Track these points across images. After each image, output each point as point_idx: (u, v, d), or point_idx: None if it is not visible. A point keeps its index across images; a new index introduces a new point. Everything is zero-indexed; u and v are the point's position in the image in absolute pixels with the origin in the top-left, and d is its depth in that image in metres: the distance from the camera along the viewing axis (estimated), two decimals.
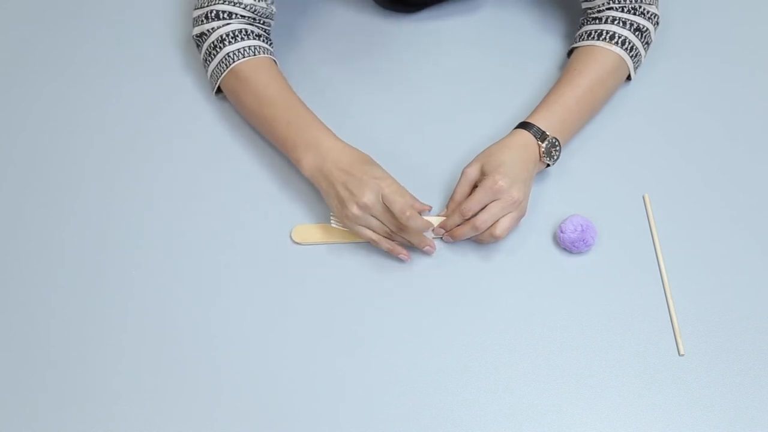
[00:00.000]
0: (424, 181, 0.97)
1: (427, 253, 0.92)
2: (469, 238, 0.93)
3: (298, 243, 0.94)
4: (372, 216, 0.89)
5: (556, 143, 0.94)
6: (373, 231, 0.90)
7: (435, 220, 0.94)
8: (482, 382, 0.86)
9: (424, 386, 0.86)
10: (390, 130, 1.03)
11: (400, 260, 0.93)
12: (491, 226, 0.89)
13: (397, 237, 0.91)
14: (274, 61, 1.01)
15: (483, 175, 0.91)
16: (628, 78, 1.03)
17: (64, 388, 0.86)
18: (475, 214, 0.89)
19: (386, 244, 0.91)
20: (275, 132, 0.96)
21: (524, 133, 0.93)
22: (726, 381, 0.86)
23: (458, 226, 0.91)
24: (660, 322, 0.89)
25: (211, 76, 1.01)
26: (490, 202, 0.88)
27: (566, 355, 0.88)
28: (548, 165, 0.96)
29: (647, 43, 1.01)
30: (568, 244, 0.92)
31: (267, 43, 1.01)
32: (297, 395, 0.86)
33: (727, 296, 0.91)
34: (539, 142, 0.93)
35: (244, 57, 0.97)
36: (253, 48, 0.98)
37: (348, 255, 0.94)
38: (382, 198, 0.88)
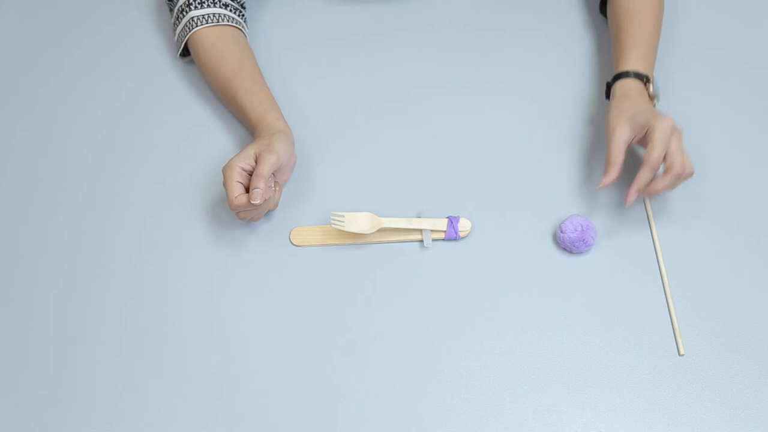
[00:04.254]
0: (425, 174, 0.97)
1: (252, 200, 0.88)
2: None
3: (296, 245, 0.94)
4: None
5: (654, 82, 0.96)
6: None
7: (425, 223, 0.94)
8: (482, 382, 0.86)
9: (423, 386, 0.86)
10: (380, 120, 1.03)
11: (398, 258, 0.93)
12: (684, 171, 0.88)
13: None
14: (241, 31, 1.03)
15: (644, 126, 0.89)
16: None
17: (64, 387, 0.86)
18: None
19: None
20: (229, 108, 1.01)
21: (632, 81, 0.95)
22: (726, 381, 0.86)
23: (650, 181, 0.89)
24: (660, 322, 0.89)
25: (177, 39, 1.04)
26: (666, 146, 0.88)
27: (566, 355, 0.88)
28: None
29: None
30: (568, 244, 0.92)
31: (236, 13, 1.03)
32: (296, 396, 0.86)
33: (727, 296, 0.91)
34: (646, 84, 0.95)
35: (206, 23, 1.00)
36: (217, 15, 1.00)
37: (347, 256, 0.94)
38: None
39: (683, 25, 1.11)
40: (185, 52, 1.06)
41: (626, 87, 0.95)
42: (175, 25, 1.04)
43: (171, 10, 1.05)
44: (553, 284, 0.92)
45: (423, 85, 1.07)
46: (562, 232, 0.92)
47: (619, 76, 0.96)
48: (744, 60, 1.09)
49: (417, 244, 0.95)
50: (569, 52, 1.09)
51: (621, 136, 0.91)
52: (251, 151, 0.89)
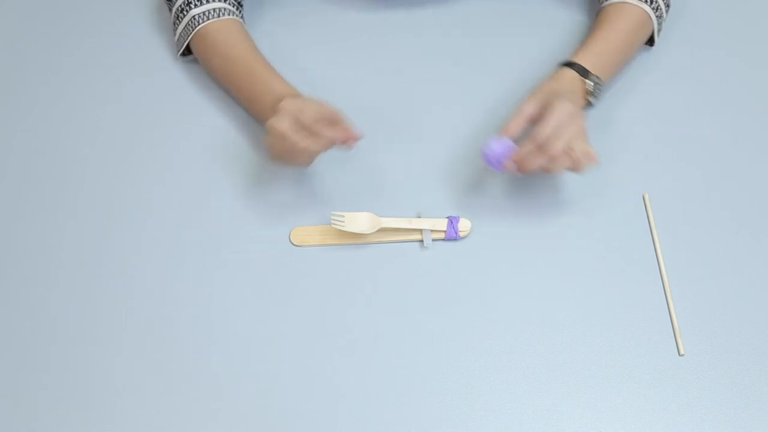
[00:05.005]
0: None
1: (349, 146, 0.89)
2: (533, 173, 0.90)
3: (296, 245, 0.94)
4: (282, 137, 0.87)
5: (599, 82, 0.96)
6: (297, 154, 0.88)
7: (430, 223, 0.94)
8: (482, 382, 0.86)
9: (423, 386, 0.86)
10: (380, 120, 1.03)
11: (398, 258, 0.93)
12: (569, 152, 0.87)
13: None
14: (241, 22, 1.03)
15: (547, 104, 0.89)
16: (652, 43, 1.07)
17: (64, 387, 0.86)
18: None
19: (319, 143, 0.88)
20: (242, 91, 0.99)
21: (570, 71, 0.96)
22: (726, 381, 0.86)
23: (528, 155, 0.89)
24: (660, 322, 0.89)
25: (178, 39, 1.04)
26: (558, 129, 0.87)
27: (566, 355, 0.88)
28: (590, 104, 0.98)
29: (668, 5, 1.04)
30: (494, 162, 0.91)
31: (234, 6, 1.03)
32: (296, 396, 0.86)
33: (727, 296, 0.91)
34: (583, 78, 0.95)
35: (209, 19, 1.00)
36: (218, 10, 1.00)
37: (347, 256, 0.94)
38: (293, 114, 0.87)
39: (683, 25, 1.11)
40: (185, 52, 1.05)
41: (563, 74, 0.96)
42: (175, 24, 1.04)
43: (170, 10, 1.05)
44: (553, 284, 0.92)
45: (424, 86, 1.06)
46: (489, 149, 0.90)
47: (562, 64, 0.97)
48: (744, 60, 1.09)
49: (417, 244, 0.95)
50: None
51: (525, 109, 0.90)
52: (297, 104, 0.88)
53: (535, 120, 0.90)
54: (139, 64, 1.09)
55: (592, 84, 0.96)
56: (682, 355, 0.87)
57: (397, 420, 0.84)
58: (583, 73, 0.96)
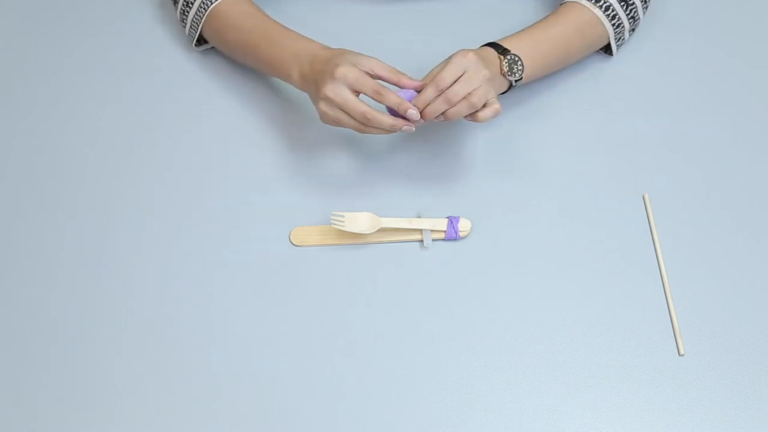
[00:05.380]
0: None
1: (407, 131, 0.88)
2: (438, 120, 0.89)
3: (296, 245, 0.94)
4: (340, 110, 0.87)
5: (518, 60, 0.94)
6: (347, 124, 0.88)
7: None
8: (482, 382, 0.86)
9: (423, 386, 0.86)
10: None
11: (398, 258, 0.93)
12: (468, 97, 0.86)
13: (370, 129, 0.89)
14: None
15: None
16: (610, 53, 1.05)
17: (64, 387, 0.86)
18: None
19: (375, 125, 0.87)
20: (261, 56, 0.97)
21: (487, 48, 0.94)
22: (726, 381, 0.86)
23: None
24: (660, 322, 0.89)
25: (191, 26, 1.03)
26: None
27: (566, 355, 0.88)
28: (511, 85, 0.95)
29: (633, 17, 1.02)
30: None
31: None
32: (296, 396, 0.86)
33: (727, 296, 0.91)
34: (500, 56, 0.93)
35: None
36: None
37: (347, 256, 0.94)
38: (351, 86, 0.86)
39: (683, 24, 1.11)
40: (198, 42, 1.05)
41: (483, 50, 0.94)
42: (184, 14, 1.03)
43: (175, 3, 1.04)
44: (553, 284, 0.92)
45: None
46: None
47: (487, 44, 0.96)
48: (744, 60, 1.09)
49: (417, 244, 0.95)
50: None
51: (435, 69, 0.90)
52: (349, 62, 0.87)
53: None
54: (139, 64, 1.09)
55: (507, 62, 0.93)
56: (682, 355, 0.87)
57: (397, 420, 0.84)
58: (502, 50, 0.94)
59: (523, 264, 0.93)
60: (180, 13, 1.04)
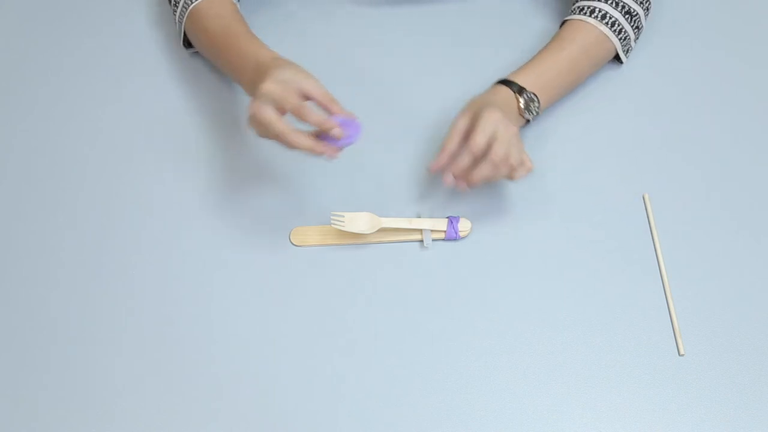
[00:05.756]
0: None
1: (330, 158, 0.86)
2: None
3: (296, 245, 0.94)
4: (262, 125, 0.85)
5: (534, 99, 0.95)
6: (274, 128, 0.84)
7: (427, 223, 0.94)
8: (482, 382, 0.86)
9: (423, 386, 0.86)
10: (379, 121, 1.03)
11: (398, 258, 0.93)
12: (506, 160, 0.87)
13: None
14: (235, 3, 1.02)
15: (477, 114, 0.89)
16: (620, 61, 1.05)
17: (64, 387, 0.86)
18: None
19: (294, 147, 0.84)
20: (223, 61, 0.98)
21: (504, 88, 0.95)
22: (726, 381, 0.86)
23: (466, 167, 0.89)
24: (660, 322, 0.89)
25: (177, 26, 1.04)
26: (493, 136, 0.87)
27: (566, 355, 0.88)
28: (527, 121, 0.97)
29: (637, 27, 1.02)
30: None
31: None
32: (296, 396, 0.86)
33: (727, 296, 0.91)
34: (517, 95, 0.94)
35: None
36: None
37: (347, 256, 0.94)
38: (275, 102, 0.84)
39: (683, 25, 1.11)
40: (187, 44, 1.05)
41: (497, 89, 0.95)
42: (174, 11, 1.03)
43: (169, 2, 1.05)
44: (553, 284, 0.92)
45: (424, 86, 1.06)
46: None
47: (499, 81, 0.96)
48: (744, 60, 1.09)
49: (417, 244, 0.95)
50: None
51: (459, 124, 0.90)
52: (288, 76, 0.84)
53: (469, 133, 0.89)
54: (139, 64, 1.09)
55: (524, 101, 0.94)
56: (682, 355, 0.87)
57: (397, 420, 0.84)
58: (518, 89, 0.94)
59: (523, 264, 0.93)
60: (173, 14, 1.05)
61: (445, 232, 0.94)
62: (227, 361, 0.87)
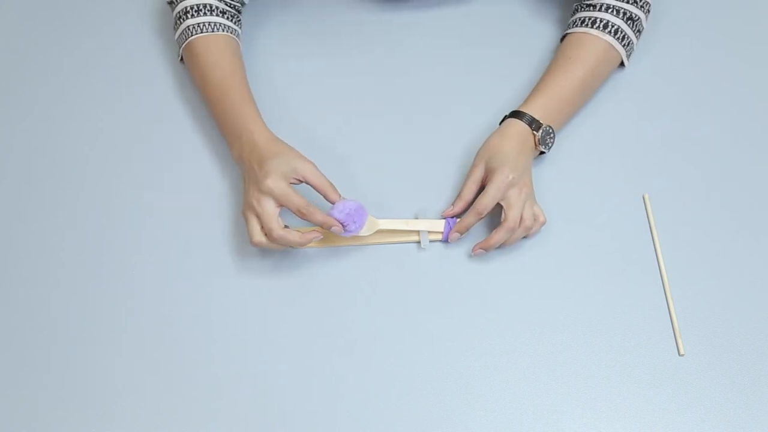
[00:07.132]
0: (420, 174, 0.97)
1: (336, 233, 0.89)
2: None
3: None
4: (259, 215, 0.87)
5: (551, 131, 0.95)
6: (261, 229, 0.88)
7: (427, 224, 0.94)
8: (482, 382, 0.86)
9: (423, 386, 0.86)
10: (378, 122, 1.03)
11: (396, 259, 0.93)
12: (522, 222, 0.89)
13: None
14: (236, 39, 1.02)
15: (489, 171, 0.91)
16: (621, 64, 1.04)
17: (64, 387, 0.86)
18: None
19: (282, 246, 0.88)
20: (214, 113, 0.99)
21: (519, 123, 0.94)
22: (726, 381, 0.86)
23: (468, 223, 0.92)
24: (660, 322, 0.89)
25: (176, 44, 1.04)
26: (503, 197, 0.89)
27: (566, 355, 0.88)
28: (542, 152, 0.97)
29: (639, 31, 1.02)
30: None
31: (232, 20, 1.02)
32: (295, 396, 0.86)
33: (727, 296, 0.91)
34: (534, 132, 0.94)
35: (201, 32, 0.99)
36: (212, 24, 0.99)
37: (346, 257, 0.94)
38: (277, 200, 0.87)
39: (683, 25, 1.11)
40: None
41: (512, 125, 0.94)
42: (174, 28, 1.03)
43: (172, 11, 1.04)
44: (553, 284, 0.92)
45: (423, 86, 1.06)
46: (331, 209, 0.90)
47: (514, 114, 0.95)
48: (744, 60, 1.09)
49: (414, 245, 0.95)
50: None
51: (475, 175, 0.92)
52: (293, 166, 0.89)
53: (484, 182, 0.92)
54: (139, 65, 1.09)
55: (540, 135, 0.94)
56: (682, 355, 0.87)
57: (397, 420, 0.84)
58: (534, 123, 0.94)
59: (522, 264, 0.93)
60: (173, 26, 1.04)
61: (442, 233, 0.94)
62: (227, 361, 0.87)
